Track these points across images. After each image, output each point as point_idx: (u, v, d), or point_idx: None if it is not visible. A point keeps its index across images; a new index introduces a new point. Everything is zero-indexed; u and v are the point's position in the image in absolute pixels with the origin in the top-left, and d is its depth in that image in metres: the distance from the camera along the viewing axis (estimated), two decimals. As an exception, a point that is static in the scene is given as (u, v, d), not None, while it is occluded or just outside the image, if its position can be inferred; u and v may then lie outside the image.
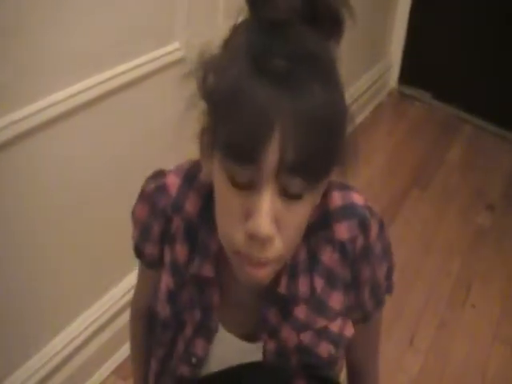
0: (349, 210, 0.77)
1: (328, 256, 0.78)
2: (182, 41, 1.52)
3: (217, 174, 0.66)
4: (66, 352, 1.50)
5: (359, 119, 3.11)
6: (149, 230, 0.83)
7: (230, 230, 0.66)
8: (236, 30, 0.66)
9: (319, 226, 0.77)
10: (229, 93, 0.60)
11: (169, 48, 1.51)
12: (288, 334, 0.80)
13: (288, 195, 0.62)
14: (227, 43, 0.65)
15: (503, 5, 2.99)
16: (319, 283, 0.78)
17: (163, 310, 0.85)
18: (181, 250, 0.81)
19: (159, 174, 0.83)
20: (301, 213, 0.65)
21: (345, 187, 0.79)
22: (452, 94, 3.31)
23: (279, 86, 0.58)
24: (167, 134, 1.57)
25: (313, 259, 0.78)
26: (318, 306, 0.79)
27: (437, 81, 3.35)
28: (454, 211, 2.58)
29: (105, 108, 1.37)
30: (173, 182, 0.80)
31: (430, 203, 2.62)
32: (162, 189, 0.80)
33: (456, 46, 3.20)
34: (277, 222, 0.63)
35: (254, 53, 0.60)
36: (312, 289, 0.78)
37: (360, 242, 0.77)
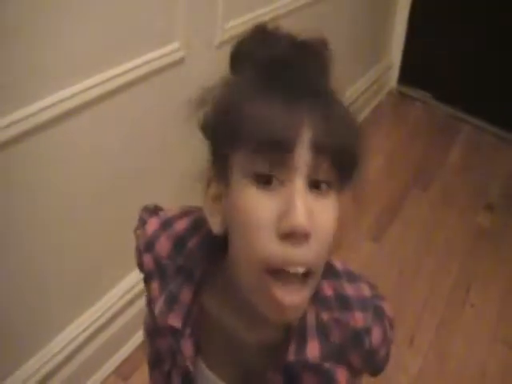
0: (362, 303, 0.75)
1: (339, 337, 0.74)
2: (182, 41, 1.52)
3: (238, 195, 0.64)
4: (66, 352, 1.50)
5: (359, 119, 3.11)
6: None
7: (260, 244, 0.61)
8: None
9: (334, 304, 0.74)
10: (241, 99, 0.63)
11: (168, 48, 1.51)
12: None
13: (317, 186, 0.62)
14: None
15: (504, 5, 3.00)
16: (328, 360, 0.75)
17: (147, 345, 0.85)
18: (155, 289, 0.79)
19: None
20: (329, 212, 0.64)
21: (354, 278, 0.77)
22: (452, 95, 3.31)
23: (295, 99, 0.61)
24: (166, 135, 1.58)
25: (322, 330, 0.74)
26: (325, 375, 0.75)
27: (437, 81, 3.35)
28: (454, 211, 2.58)
29: (104, 109, 1.37)
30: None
31: (429, 203, 2.62)
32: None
33: (456, 46, 3.20)
34: (310, 218, 0.60)
35: (264, 74, 0.64)
36: (321, 354, 0.74)
37: (377, 334, 0.76)
